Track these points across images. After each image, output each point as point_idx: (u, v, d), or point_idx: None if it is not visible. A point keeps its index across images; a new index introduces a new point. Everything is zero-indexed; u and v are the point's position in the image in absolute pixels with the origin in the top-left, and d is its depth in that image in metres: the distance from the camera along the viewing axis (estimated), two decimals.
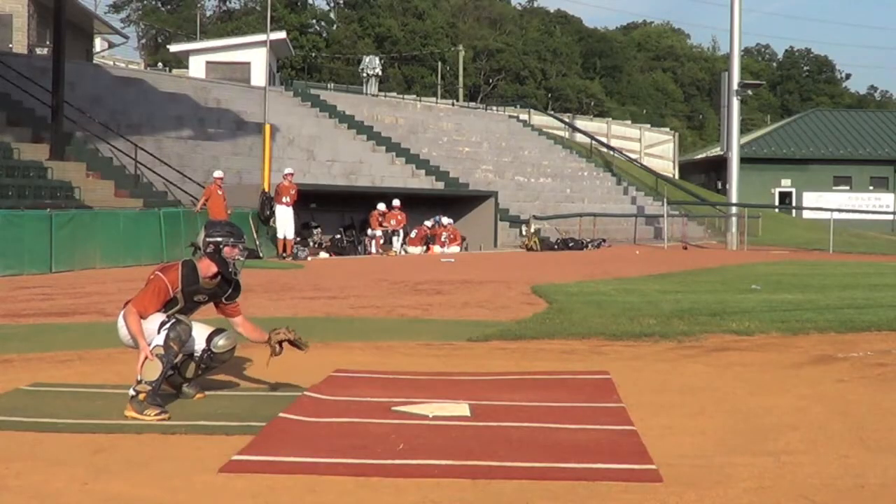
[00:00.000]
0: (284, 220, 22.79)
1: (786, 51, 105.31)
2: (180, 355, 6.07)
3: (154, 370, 5.82)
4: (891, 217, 49.84)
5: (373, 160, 32.91)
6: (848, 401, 6.33)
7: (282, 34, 45.69)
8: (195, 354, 6.21)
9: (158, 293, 6.05)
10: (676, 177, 51.03)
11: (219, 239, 6.19)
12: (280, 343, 6.28)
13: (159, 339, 5.91)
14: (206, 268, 6.21)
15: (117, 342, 8.53)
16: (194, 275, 6.17)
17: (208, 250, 6.19)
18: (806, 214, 48.45)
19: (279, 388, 6.56)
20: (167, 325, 5.97)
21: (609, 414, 5.87)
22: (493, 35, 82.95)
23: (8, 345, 8.47)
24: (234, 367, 7.46)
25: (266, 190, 22.92)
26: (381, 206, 26.45)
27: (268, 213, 22.73)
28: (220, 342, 6.22)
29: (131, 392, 5.81)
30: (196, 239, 6.30)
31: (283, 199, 22.87)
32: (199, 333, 6.22)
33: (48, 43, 30.73)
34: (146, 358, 5.83)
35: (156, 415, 5.68)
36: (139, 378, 5.80)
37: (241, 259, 6.29)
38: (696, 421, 5.70)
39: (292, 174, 23.49)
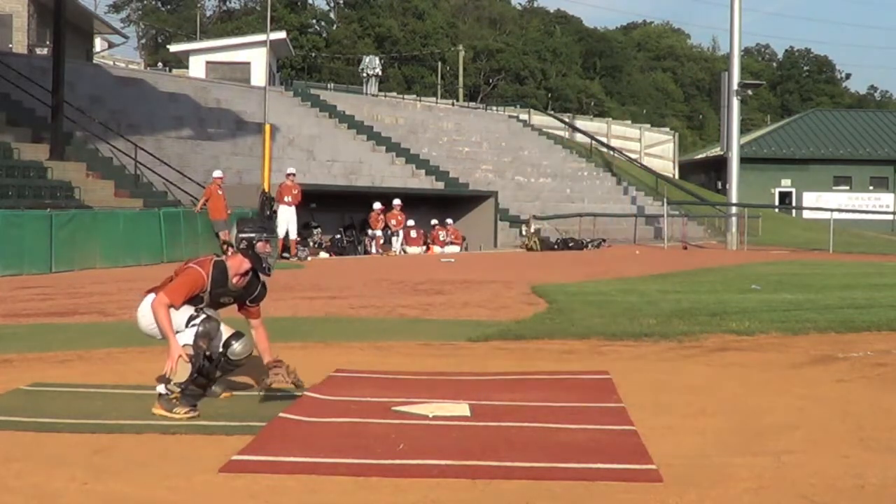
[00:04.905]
0: (285, 220, 22.75)
1: (786, 51, 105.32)
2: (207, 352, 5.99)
3: (183, 371, 5.75)
4: (891, 217, 49.81)
5: (373, 160, 32.91)
6: (848, 401, 6.33)
7: (282, 34, 45.66)
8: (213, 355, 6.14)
9: (194, 285, 5.91)
10: (676, 177, 50.98)
11: (252, 234, 6.09)
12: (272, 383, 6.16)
13: (188, 338, 5.81)
14: (238, 265, 6.08)
15: (117, 342, 8.57)
16: (223, 277, 6.05)
17: (241, 246, 6.08)
18: (806, 214, 48.45)
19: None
20: (196, 321, 5.87)
21: (609, 414, 5.87)
22: (493, 35, 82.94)
23: (8, 345, 8.46)
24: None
25: (266, 190, 22.90)
26: (378, 205, 26.43)
27: (268, 212, 22.70)
28: (238, 348, 6.09)
29: (160, 390, 5.75)
30: (228, 237, 6.20)
31: (286, 199, 22.82)
32: (219, 334, 6.13)
33: (48, 43, 30.72)
34: (179, 357, 5.72)
35: (185, 412, 5.66)
36: (168, 377, 5.72)
37: (273, 255, 6.19)
38: (696, 421, 5.70)
39: (294, 174, 23.47)
